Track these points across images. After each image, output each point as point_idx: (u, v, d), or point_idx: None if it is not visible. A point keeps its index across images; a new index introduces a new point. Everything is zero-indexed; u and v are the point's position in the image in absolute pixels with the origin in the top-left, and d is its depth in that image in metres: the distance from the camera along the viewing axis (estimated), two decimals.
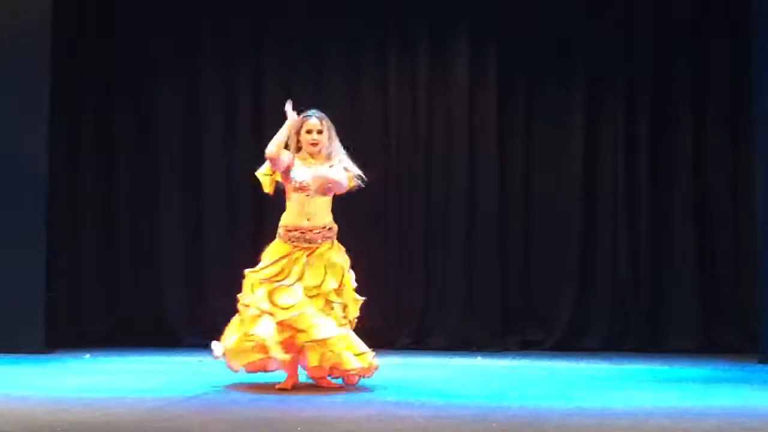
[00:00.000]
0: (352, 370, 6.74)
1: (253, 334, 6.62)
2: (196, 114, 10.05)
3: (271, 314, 6.63)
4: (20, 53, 8.97)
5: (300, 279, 6.72)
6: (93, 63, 10.04)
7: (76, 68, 9.89)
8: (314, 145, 6.89)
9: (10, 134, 8.94)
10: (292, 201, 6.87)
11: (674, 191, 10.00)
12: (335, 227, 6.98)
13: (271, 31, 10.09)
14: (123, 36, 10.06)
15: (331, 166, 6.88)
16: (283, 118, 6.91)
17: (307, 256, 6.80)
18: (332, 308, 6.83)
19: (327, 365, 6.71)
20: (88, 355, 8.86)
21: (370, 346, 9.82)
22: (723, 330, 9.80)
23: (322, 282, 6.78)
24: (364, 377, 6.86)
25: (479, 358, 9.16)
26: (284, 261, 6.77)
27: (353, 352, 6.77)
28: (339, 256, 6.92)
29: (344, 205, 9.87)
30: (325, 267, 6.82)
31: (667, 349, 9.66)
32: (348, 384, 6.81)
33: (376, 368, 6.87)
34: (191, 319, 9.92)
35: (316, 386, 6.80)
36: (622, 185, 9.97)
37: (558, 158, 10.06)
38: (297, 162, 6.88)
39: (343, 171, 6.87)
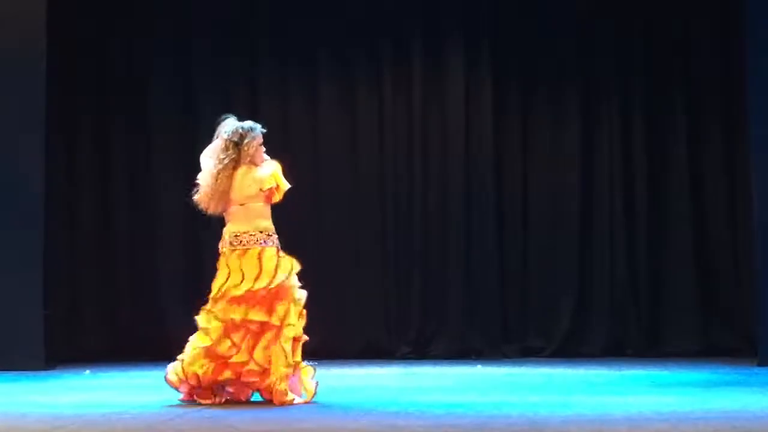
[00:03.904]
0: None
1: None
2: (192, 131, 10.05)
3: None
4: (15, 72, 8.99)
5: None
6: (89, 80, 10.07)
7: (71, 86, 9.91)
8: None
9: (7, 153, 8.96)
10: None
11: (671, 196, 10.02)
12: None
13: (267, 42, 10.12)
14: (120, 52, 10.11)
15: None
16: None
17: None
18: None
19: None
20: (88, 371, 8.86)
21: (370, 356, 9.87)
22: (722, 333, 9.82)
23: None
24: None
25: (479, 367, 9.17)
26: None
27: None
28: None
29: (344, 215, 9.97)
30: None
31: (666, 353, 9.68)
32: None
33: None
34: (191, 332, 9.90)
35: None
36: (618, 193, 10.00)
37: (554, 164, 10.09)
38: None
39: None
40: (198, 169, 9.70)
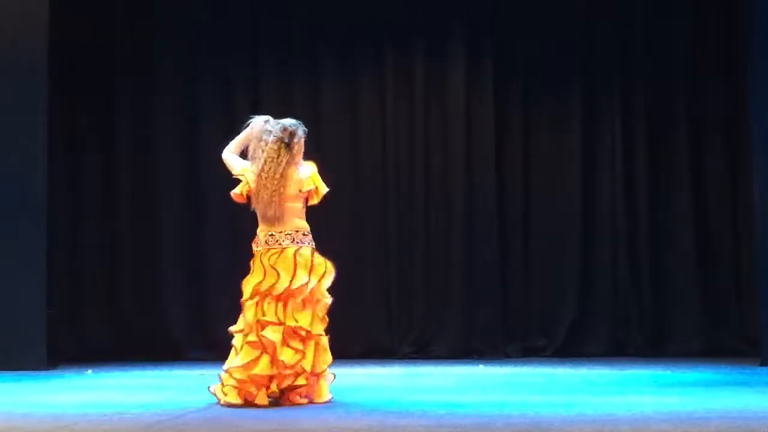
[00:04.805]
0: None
1: None
2: (195, 131, 10.07)
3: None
4: (17, 73, 8.99)
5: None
6: (91, 82, 10.07)
7: (74, 88, 9.93)
8: None
9: (9, 154, 8.96)
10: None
11: (673, 196, 10.03)
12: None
13: (269, 41, 10.13)
14: (122, 55, 10.11)
15: None
16: None
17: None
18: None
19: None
20: (90, 371, 8.87)
21: (372, 356, 9.87)
22: (724, 333, 9.82)
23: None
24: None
25: (481, 366, 9.16)
26: None
27: None
28: None
29: (346, 216, 9.96)
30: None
31: (669, 353, 9.67)
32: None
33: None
34: (193, 333, 9.93)
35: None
36: (620, 193, 9.99)
37: (557, 166, 10.09)
38: None
39: None
40: (206, 168, 9.83)
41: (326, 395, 6.69)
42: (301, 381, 6.53)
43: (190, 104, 10.11)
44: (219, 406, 6.54)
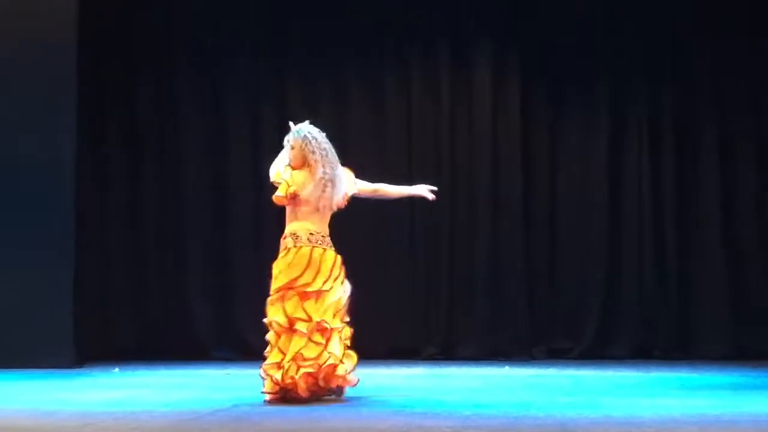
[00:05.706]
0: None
1: None
2: (220, 131, 10.11)
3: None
4: (47, 76, 9.03)
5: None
6: (116, 86, 10.13)
7: (101, 88, 9.98)
8: None
9: (38, 154, 9.00)
10: None
11: (700, 197, 9.98)
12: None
13: (294, 44, 10.14)
14: (145, 59, 10.16)
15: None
16: None
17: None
18: None
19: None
20: (116, 369, 8.91)
21: (397, 357, 9.86)
22: (751, 336, 9.76)
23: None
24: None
25: (507, 368, 9.15)
26: None
27: None
28: None
29: (371, 216, 9.98)
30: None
31: (695, 356, 9.63)
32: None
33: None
34: (219, 332, 9.96)
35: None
36: (647, 194, 9.96)
37: (582, 166, 10.08)
38: None
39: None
40: (231, 168, 9.88)
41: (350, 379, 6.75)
42: (341, 371, 6.61)
43: (216, 105, 10.13)
44: (246, 405, 6.56)
